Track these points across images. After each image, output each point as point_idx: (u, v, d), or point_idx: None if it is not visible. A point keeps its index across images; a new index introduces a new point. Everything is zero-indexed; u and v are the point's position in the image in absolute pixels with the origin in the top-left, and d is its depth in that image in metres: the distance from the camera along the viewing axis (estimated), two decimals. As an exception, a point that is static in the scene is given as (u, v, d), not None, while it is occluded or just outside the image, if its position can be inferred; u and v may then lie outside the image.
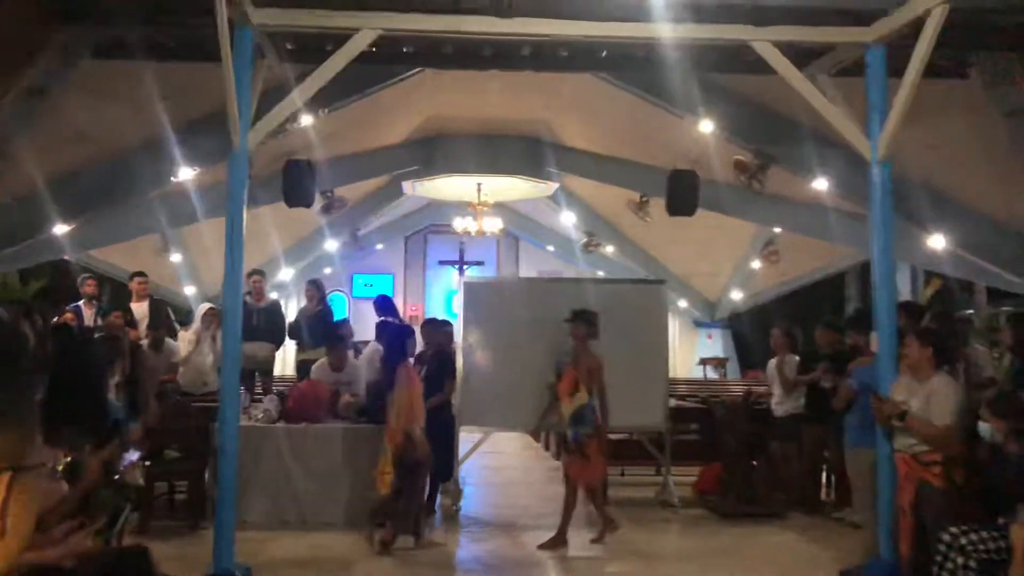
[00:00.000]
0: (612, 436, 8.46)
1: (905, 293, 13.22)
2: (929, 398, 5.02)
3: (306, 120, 8.92)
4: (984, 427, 4.76)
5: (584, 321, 6.74)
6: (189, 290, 14.14)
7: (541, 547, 6.53)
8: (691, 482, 8.42)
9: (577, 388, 6.55)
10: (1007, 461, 4.62)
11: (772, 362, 8.23)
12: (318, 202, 12.38)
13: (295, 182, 10.21)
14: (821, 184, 8.55)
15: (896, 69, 5.59)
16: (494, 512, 7.97)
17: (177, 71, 7.33)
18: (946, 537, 4.56)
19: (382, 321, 8.48)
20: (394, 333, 7.43)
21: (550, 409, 6.95)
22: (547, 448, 10.97)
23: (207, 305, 9.40)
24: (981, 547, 4.48)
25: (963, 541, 4.49)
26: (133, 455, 4.01)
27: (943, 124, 7.34)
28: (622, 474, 9.20)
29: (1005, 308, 8.13)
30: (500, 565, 6.30)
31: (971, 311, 9.26)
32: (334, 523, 7.10)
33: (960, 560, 4.46)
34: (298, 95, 5.95)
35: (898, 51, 5.65)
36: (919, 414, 4.99)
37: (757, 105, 8.73)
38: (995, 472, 4.70)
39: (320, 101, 8.41)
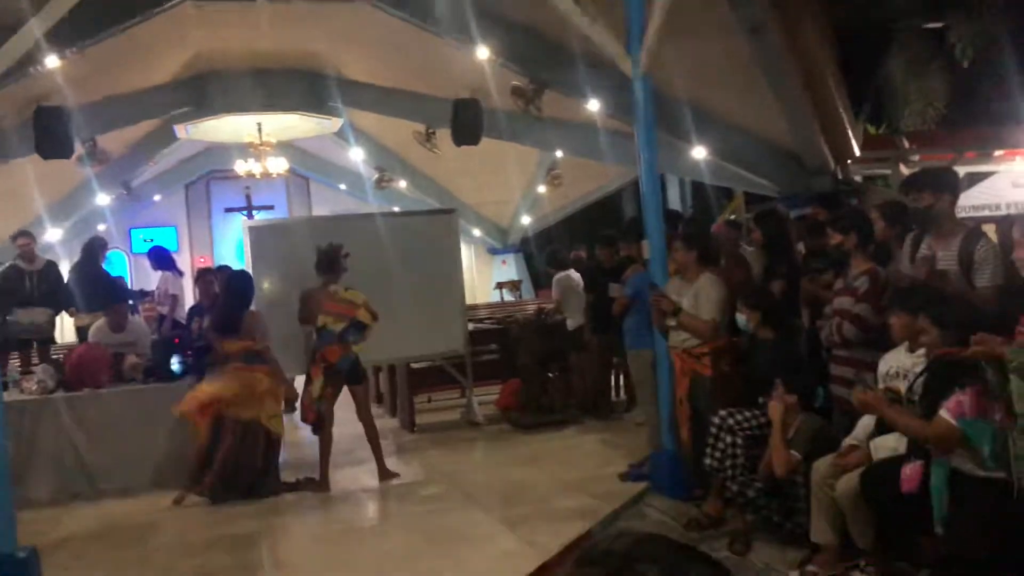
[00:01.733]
0: (415, 365, 8.62)
1: (676, 203, 14.22)
2: (697, 296, 5.45)
3: (53, 62, 8.11)
4: (741, 319, 5.24)
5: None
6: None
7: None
8: (494, 400, 8.74)
9: None
10: (762, 347, 5.14)
11: (557, 277, 8.66)
12: (79, 152, 11.40)
13: (48, 130, 9.34)
14: (593, 106, 8.90)
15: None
16: (301, 452, 7.90)
17: None
18: (716, 420, 5.03)
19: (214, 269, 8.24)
20: (238, 278, 7.11)
21: None
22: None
23: None
24: (746, 425, 4.98)
25: (731, 421, 4.97)
26: None
27: (699, 42, 7.81)
28: (429, 400, 9.40)
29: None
30: (312, 504, 6.29)
31: (733, 216, 10.15)
32: (130, 488, 6.76)
33: (729, 439, 4.93)
34: (36, 27, 5.36)
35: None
36: (689, 311, 5.43)
37: (529, 31, 8.89)
38: (753, 358, 5.22)
39: (64, 39, 7.66)
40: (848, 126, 9.01)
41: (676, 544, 1.09)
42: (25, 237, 9.07)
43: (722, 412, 5.04)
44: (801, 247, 6.52)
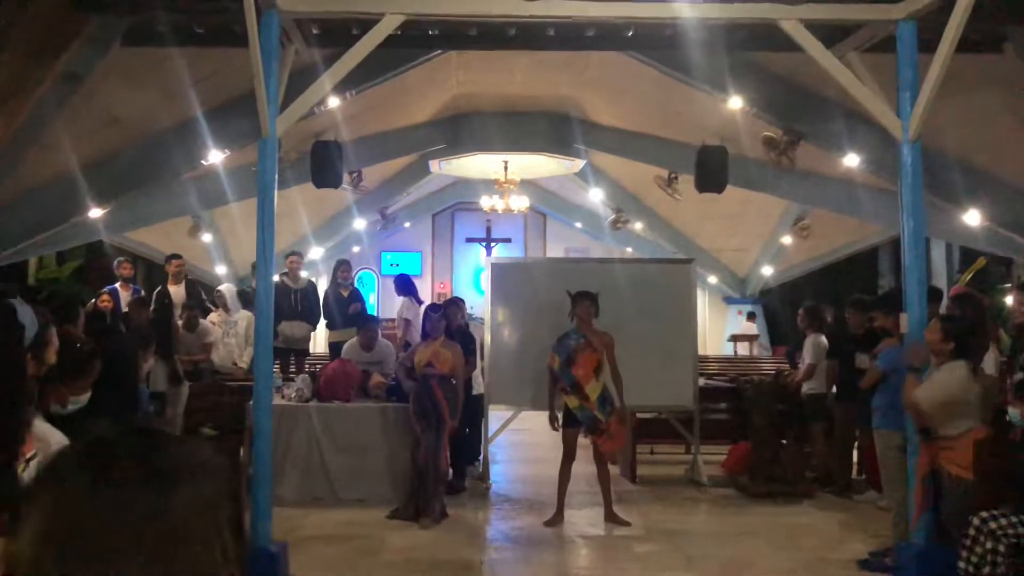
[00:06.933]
0: (640, 415, 8.54)
1: (940, 269, 13.02)
2: (931, 382, 5.01)
3: (333, 102, 8.95)
4: (1014, 413, 4.70)
5: (592, 300, 6.77)
6: (220, 270, 14.32)
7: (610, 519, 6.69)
8: (720, 461, 8.44)
9: (599, 369, 6.61)
10: (1037, 444, 4.59)
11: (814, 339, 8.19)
12: (345, 182, 12.46)
13: (323, 163, 10.30)
14: (852, 160, 8.43)
15: (927, 44, 5.47)
16: (524, 489, 8.05)
17: (205, 56, 7.40)
18: (976, 522, 4.54)
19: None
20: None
21: (554, 393, 6.93)
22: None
23: (234, 289, 9.65)
24: (1011, 532, 4.46)
25: (992, 525, 4.47)
26: None
27: (977, 99, 7.21)
28: (651, 452, 9.25)
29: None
30: (530, 542, 6.37)
31: (1009, 285, 9.08)
32: (365, 499, 7.22)
33: (990, 545, 4.44)
34: (327, 81, 5.98)
35: (929, 25, 5.54)
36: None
37: (787, 81, 8.62)
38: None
39: (347, 84, 8.43)
40: None
41: None
42: (295, 256, 10.05)
43: (983, 514, 4.54)
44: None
